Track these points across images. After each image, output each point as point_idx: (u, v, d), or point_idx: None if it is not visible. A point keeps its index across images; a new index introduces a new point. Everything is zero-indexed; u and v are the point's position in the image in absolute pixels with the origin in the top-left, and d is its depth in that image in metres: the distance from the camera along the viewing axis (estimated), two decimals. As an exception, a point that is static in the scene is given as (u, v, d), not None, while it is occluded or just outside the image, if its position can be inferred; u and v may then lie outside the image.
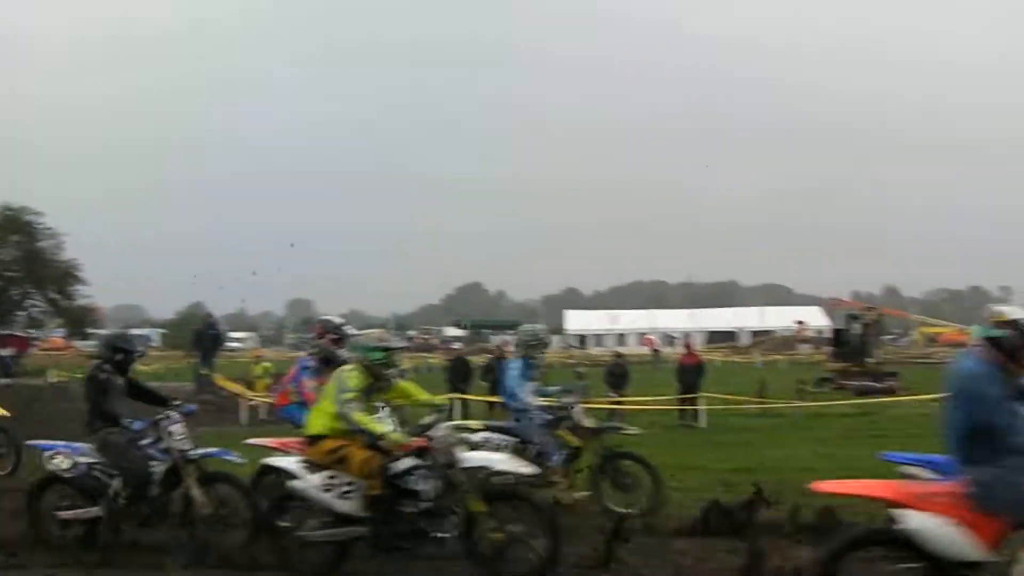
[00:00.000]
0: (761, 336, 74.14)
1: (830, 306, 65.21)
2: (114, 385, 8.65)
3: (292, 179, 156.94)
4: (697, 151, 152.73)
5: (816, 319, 71.17)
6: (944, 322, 75.42)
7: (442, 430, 7.46)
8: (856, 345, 32.87)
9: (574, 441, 9.92)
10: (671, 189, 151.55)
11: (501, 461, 8.00)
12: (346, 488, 7.41)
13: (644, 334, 72.71)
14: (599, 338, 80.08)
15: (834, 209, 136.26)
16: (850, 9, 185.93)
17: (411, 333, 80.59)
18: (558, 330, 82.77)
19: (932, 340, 67.12)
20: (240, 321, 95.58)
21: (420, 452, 7.41)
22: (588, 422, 10.11)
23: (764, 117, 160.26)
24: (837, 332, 37.36)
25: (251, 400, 22.99)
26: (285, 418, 9.73)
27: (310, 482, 7.49)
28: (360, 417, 7.40)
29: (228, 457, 8.86)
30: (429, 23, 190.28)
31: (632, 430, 10.59)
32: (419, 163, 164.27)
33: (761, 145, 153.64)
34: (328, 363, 9.02)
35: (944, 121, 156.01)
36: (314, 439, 7.65)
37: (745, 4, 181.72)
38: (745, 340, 75.24)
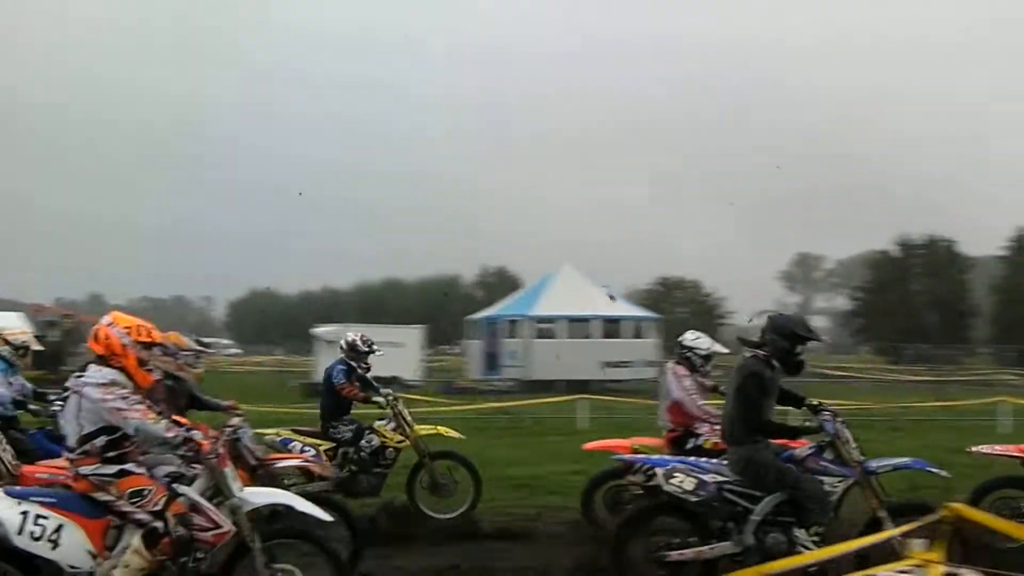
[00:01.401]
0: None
1: (32, 312, 63.47)
2: (775, 386, 6.91)
3: None
4: None
5: (18, 324, 68.06)
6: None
7: None
8: (52, 352, 33.16)
9: None
10: None
11: None
12: None
13: None
14: None
15: None
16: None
17: None
18: None
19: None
20: None
21: None
22: None
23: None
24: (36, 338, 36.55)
25: None
26: None
27: None
28: None
29: (931, 469, 6.99)
30: None
31: None
32: None
33: None
34: None
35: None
36: None
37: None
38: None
